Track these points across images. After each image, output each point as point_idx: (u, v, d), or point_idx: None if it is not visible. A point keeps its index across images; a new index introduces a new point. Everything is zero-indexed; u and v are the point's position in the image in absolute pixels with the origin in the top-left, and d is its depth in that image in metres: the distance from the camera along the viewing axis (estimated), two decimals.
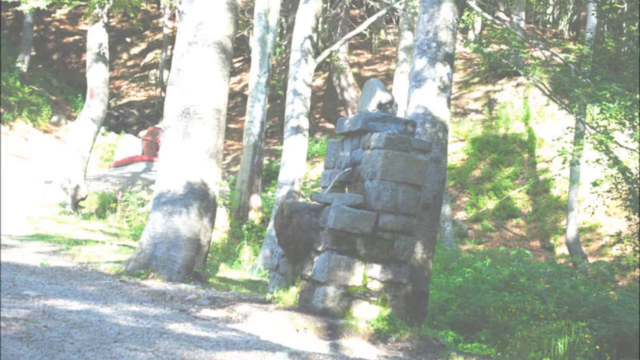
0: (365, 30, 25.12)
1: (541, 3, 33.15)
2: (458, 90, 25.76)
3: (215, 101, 8.96)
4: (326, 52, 16.58)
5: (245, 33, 27.11)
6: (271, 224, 13.23)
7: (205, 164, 8.84)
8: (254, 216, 17.49)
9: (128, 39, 35.93)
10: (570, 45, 20.00)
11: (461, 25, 12.73)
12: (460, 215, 20.39)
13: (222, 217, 16.56)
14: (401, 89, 18.53)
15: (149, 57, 34.48)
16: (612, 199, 15.00)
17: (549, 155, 20.66)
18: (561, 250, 18.31)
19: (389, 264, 6.94)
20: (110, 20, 24.15)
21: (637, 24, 16.11)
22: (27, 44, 26.59)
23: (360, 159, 7.28)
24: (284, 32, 26.71)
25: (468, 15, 15.99)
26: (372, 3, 23.83)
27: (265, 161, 22.48)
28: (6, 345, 4.63)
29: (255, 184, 17.70)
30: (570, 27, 33.16)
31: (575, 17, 32.32)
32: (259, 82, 17.29)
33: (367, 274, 6.85)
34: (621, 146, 13.08)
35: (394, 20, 30.93)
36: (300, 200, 14.06)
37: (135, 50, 35.45)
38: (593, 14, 17.01)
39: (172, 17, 32.57)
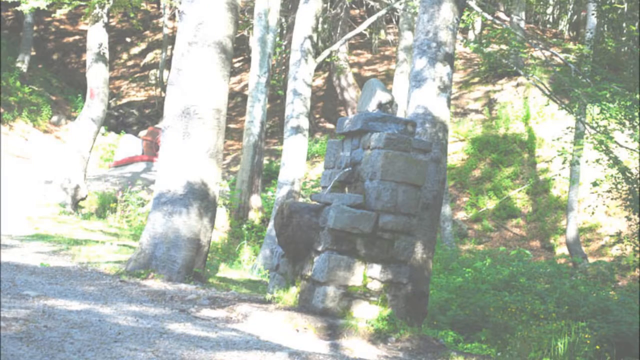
0: (365, 30, 25.14)
1: (541, 3, 33.16)
2: (458, 90, 25.77)
3: (215, 101, 8.96)
4: (326, 52, 16.58)
5: (245, 33, 27.11)
6: (271, 224, 13.23)
7: (205, 164, 8.84)
8: (254, 216, 17.50)
9: (128, 39, 35.94)
10: (570, 45, 20.01)
11: (461, 25, 12.74)
12: (460, 215, 20.39)
13: (222, 217, 16.56)
14: (401, 89, 18.53)
15: (149, 57, 34.48)
16: (612, 199, 14.99)
17: (549, 155, 20.66)
18: (561, 250, 18.31)
19: (389, 264, 6.94)
20: (110, 20, 24.15)
21: (637, 24, 16.12)
22: (27, 44, 26.59)
23: (360, 159, 7.28)
24: (284, 32, 26.72)
25: (468, 15, 15.99)
26: (372, 3, 23.84)
27: (265, 161, 22.48)
28: (6, 345, 4.63)
29: (255, 184, 17.70)
30: (570, 27, 33.16)
31: (575, 17, 32.32)
32: (259, 82, 17.29)
33: (367, 274, 6.85)
34: (621, 146, 13.08)
35: (394, 20, 30.93)
36: (300, 200, 14.06)
37: (135, 50, 35.46)
38: (593, 14, 17.01)
39: (172, 17, 32.57)
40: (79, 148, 15.97)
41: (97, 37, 16.54)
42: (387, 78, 26.38)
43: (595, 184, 13.96)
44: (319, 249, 6.97)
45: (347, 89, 25.96)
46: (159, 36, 33.86)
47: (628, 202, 13.64)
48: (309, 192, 18.66)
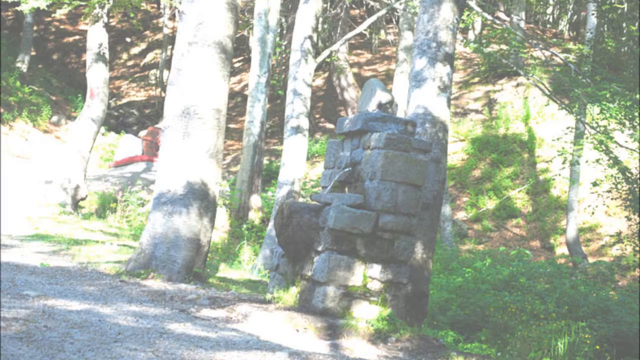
0: (365, 30, 25.14)
1: (541, 3, 33.16)
2: (458, 90, 25.77)
3: (215, 101, 8.96)
4: (326, 52, 16.57)
5: (245, 33, 27.11)
6: (271, 224, 13.23)
7: (205, 164, 8.84)
8: (254, 216, 17.50)
9: (128, 39, 35.94)
10: (570, 45, 20.01)
11: (461, 25, 12.74)
12: (460, 215, 20.39)
13: (222, 217, 16.56)
14: (401, 89, 18.53)
15: (149, 57, 34.48)
16: (612, 199, 14.99)
17: (549, 155, 20.66)
18: (561, 250, 18.31)
19: (389, 264, 6.94)
20: (110, 20, 24.14)
21: (637, 24, 16.11)
22: (27, 44, 26.59)
23: (360, 159, 7.28)
24: (284, 32, 26.71)
25: (468, 15, 15.99)
26: (372, 3, 23.83)
27: (265, 161, 22.48)
28: (6, 345, 4.63)
29: (255, 184, 17.70)
30: (570, 27, 33.16)
31: (575, 17, 32.32)
32: (259, 82, 17.29)
33: (367, 274, 6.85)
34: (621, 146, 13.08)
35: (394, 20, 30.93)
36: (300, 200, 14.06)
37: (135, 50, 35.46)
38: (593, 14, 17.01)
39: (172, 17, 32.57)
40: (79, 148, 15.98)
41: (97, 37, 16.54)
42: (387, 78, 26.38)
43: (595, 184, 13.96)
44: (319, 249, 6.97)
45: (347, 89, 25.96)
46: (159, 36, 33.86)
47: (628, 202, 13.64)
48: (309, 192, 18.66)
